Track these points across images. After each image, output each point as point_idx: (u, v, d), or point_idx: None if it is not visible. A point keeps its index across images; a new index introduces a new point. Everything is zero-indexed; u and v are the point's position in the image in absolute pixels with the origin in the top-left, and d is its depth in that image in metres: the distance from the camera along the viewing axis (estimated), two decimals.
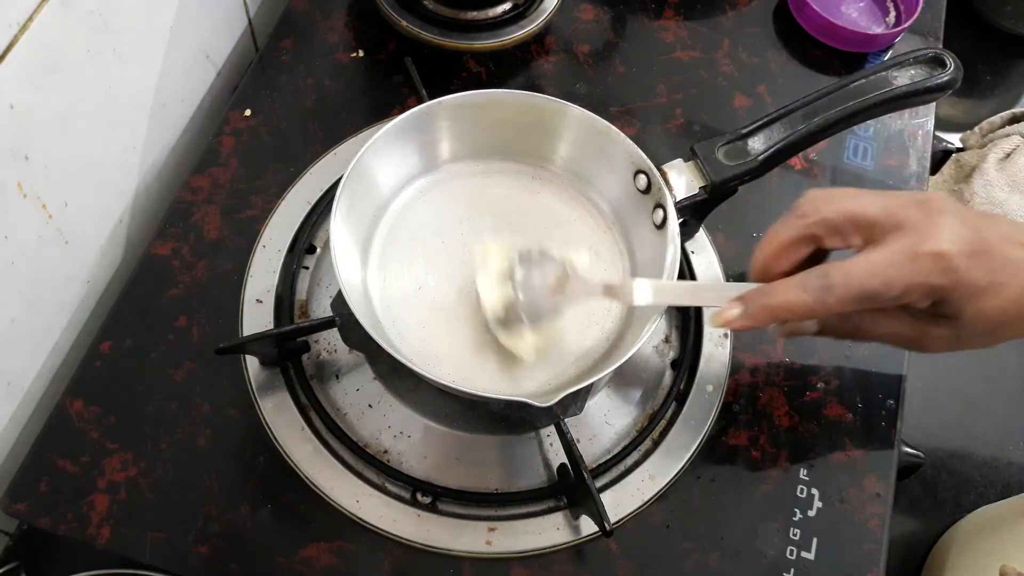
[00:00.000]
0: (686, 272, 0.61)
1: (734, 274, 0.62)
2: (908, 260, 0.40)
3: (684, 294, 0.52)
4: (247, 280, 0.59)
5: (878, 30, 0.76)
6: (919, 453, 0.85)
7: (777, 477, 0.55)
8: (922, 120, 0.72)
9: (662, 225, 0.52)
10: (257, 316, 0.57)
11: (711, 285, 0.55)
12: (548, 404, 0.44)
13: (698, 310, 0.60)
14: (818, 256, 0.46)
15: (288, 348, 0.55)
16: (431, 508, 0.52)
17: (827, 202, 0.44)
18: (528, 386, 0.51)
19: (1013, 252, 0.42)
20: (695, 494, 0.54)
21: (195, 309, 0.58)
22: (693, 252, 0.63)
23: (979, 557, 0.82)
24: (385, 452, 0.54)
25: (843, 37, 0.74)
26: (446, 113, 0.55)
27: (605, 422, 0.56)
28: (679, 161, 0.54)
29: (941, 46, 0.77)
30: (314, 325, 0.53)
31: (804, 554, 0.52)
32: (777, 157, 0.53)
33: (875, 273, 0.41)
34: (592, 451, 0.55)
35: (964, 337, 0.44)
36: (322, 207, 0.62)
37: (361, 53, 0.71)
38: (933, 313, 0.43)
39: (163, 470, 0.52)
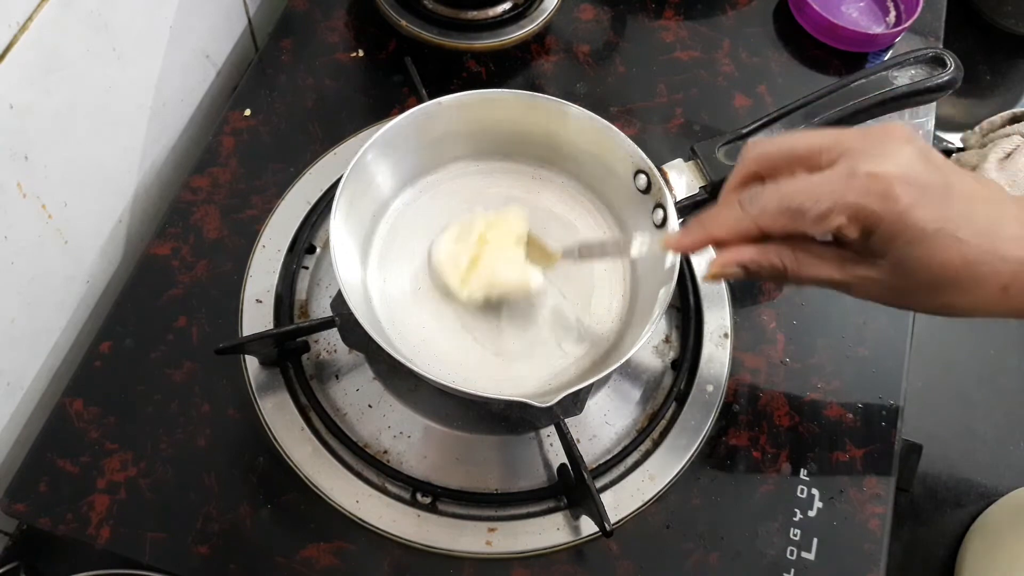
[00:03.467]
0: (686, 272, 0.61)
1: None
2: (843, 178, 0.37)
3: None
4: (247, 280, 0.59)
5: (878, 30, 0.76)
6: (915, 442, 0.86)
7: (777, 477, 0.55)
8: (923, 120, 0.72)
9: (662, 225, 0.52)
10: (257, 316, 0.57)
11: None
12: (548, 404, 0.44)
13: (699, 313, 0.60)
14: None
15: (288, 348, 0.55)
16: (431, 508, 0.52)
17: (768, 142, 0.41)
18: (528, 386, 0.51)
19: (980, 208, 0.37)
20: (695, 494, 0.54)
21: (195, 309, 0.57)
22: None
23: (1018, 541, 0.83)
24: (385, 452, 0.54)
25: (843, 37, 0.74)
26: (446, 113, 0.55)
27: (605, 422, 0.56)
28: (679, 161, 0.54)
29: (941, 46, 0.77)
30: (314, 325, 0.53)
31: (804, 554, 0.52)
32: None
33: (805, 188, 0.38)
34: (592, 451, 0.55)
35: (897, 287, 0.39)
36: (322, 207, 0.62)
37: (361, 53, 0.71)
38: (864, 251, 0.39)
39: (163, 470, 0.52)
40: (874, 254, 0.39)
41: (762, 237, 0.40)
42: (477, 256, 0.52)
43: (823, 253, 0.40)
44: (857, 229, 0.37)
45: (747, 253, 0.41)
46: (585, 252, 0.52)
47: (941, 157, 0.38)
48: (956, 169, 0.38)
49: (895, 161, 0.37)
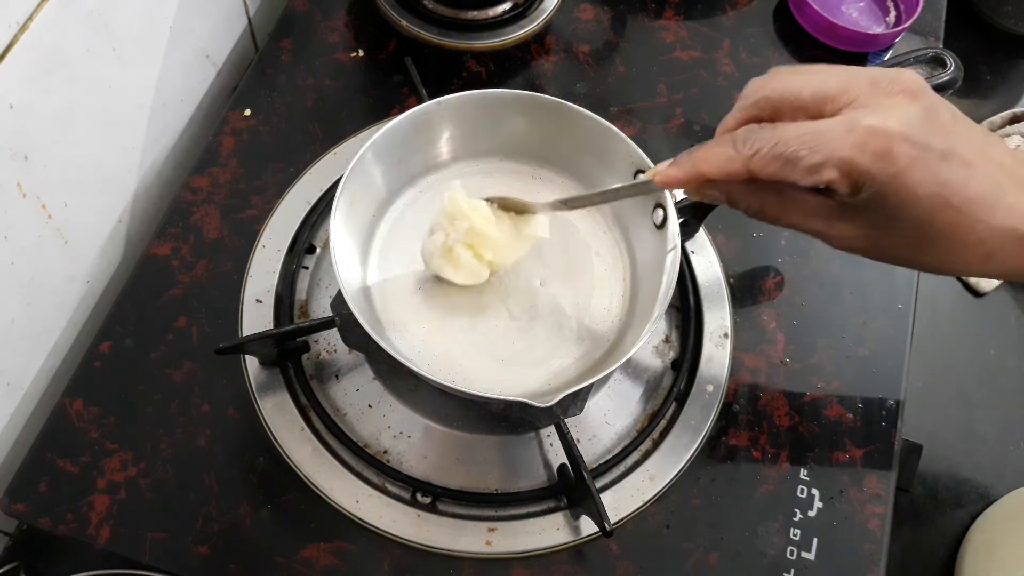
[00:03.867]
0: (686, 272, 0.61)
1: (734, 274, 0.62)
2: (842, 131, 0.35)
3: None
4: (247, 280, 0.59)
5: (878, 30, 0.76)
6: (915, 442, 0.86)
7: (777, 477, 0.55)
8: None
9: (662, 225, 0.52)
10: (257, 316, 0.57)
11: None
12: (548, 404, 0.44)
13: (699, 313, 0.60)
14: None
15: (288, 348, 0.55)
16: (431, 508, 0.52)
17: (771, 80, 0.39)
18: (528, 386, 0.51)
19: (981, 173, 0.36)
20: (695, 494, 0.54)
21: (195, 309, 0.57)
22: (693, 252, 0.63)
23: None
24: (385, 452, 0.54)
25: (843, 37, 0.74)
26: (446, 113, 0.55)
27: (605, 422, 0.56)
28: None
29: (941, 46, 0.77)
30: (314, 325, 0.53)
31: (804, 554, 0.52)
32: None
33: (802, 137, 0.36)
34: (592, 451, 0.55)
35: (879, 244, 0.39)
36: (322, 207, 0.62)
37: (361, 53, 0.71)
38: (850, 204, 0.38)
39: (163, 470, 0.52)
40: (860, 209, 0.38)
41: (751, 178, 0.39)
42: (472, 243, 0.51)
43: (808, 202, 0.39)
44: (847, 185, 0.36)
45: (732, 187, 0.40)
46: (573, 203, 0.51)
47: (950, 114, 0.37)
48: (964, 129, 0.37)
49: (898, 117, 0.35)
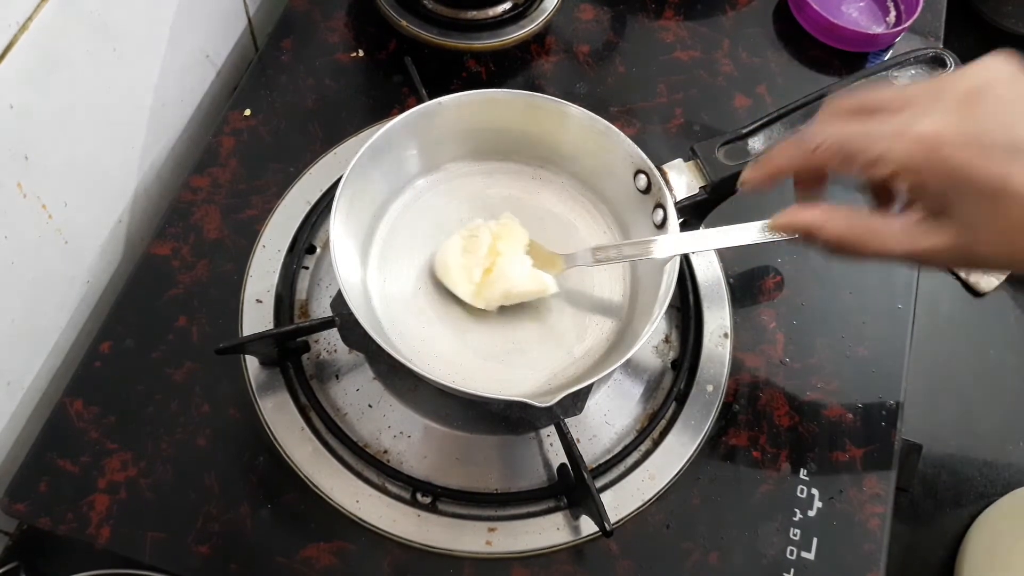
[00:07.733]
0: (686, 272, 0.61)
1: (734, 274, 0.62)
2: (898, 130, 0.37)
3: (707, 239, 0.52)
4: (247, 280, 0.59)
5: (878, 30, 0.76)
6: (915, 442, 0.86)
7: (777, 477, 0.55)
8: None
9: (662, 225, 0.52)
10: (257, 316, 0.57)
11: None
12: (548, 404, 0.44)
13: (699, 313, 0.60)
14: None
15: (288, 348, 0.55)
16: (431, 508, 0.52)
17: (843, 98, 0.41)
18: (528, 386, 0.51)
19: None
20: (695, 494, 0.54)
21: (195, 309, 0.57)
22: (693, 252, 0.63)
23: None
24: (385, 452, 0.54)
25: (843, 37, 0.74)
26: (446, 113, 0.55)
27: (605, 422, 0.56)
28: (679, 161, 0.54)
29: (941, 46, 0.77)
30: (314, 325, 0.53)
31: (804, 554, 0.52)
32: None
33: (863, 133, 0.38)
34: (592, 451, 0.55)
35: (967, 248, 0.38)
36: (322, 207, 0.62)
37: (361, 53, 0.71)
38: (928, 216, 0.38)
39: (163, 470, 0.52)
40: (939, 218, 0.38)
41: (821, 179, 0.42)
42: (491, 268, 0.52)
43: (887, 224, 0.40)
44: (905, 182, 0.37)
45: (812, 213, 0.41)
46: (601, 256, 0.52)
47: (1015, 100, 0.37)
48: None
49: (952, 120, 0.36)
